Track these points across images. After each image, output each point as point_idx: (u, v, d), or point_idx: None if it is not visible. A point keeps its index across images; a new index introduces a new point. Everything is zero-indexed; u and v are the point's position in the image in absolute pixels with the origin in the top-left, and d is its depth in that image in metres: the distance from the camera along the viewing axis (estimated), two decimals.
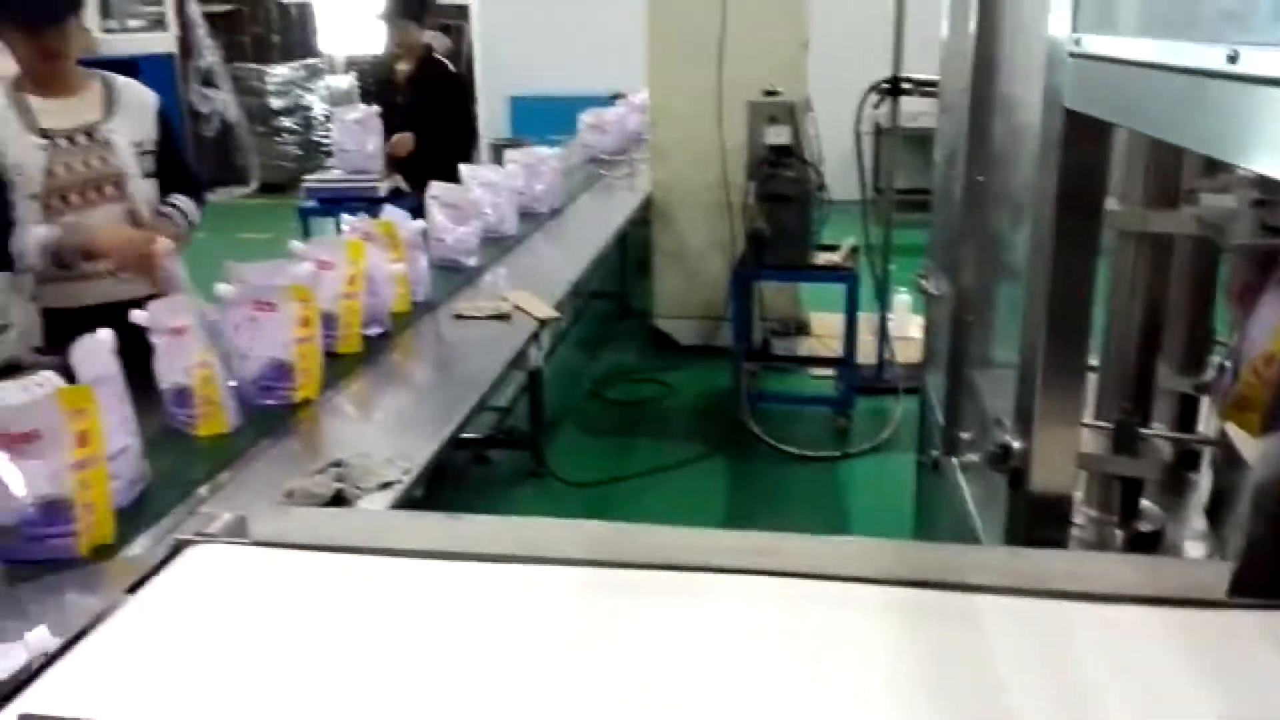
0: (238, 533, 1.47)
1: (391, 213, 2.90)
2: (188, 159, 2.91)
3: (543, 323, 2.81)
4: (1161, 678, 1.05)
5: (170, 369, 1.98)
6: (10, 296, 2.36)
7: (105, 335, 1.70)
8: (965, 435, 2.04)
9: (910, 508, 2.88)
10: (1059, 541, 1.37)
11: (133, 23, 9.97)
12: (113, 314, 2.18)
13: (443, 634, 1.19)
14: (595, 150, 5.89)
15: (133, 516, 1.65)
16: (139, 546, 1.55)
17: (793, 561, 1.29)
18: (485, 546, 1.34)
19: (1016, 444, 1.39)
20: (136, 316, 1.97)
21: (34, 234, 2.28)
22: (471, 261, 3.36)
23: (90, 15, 9.79)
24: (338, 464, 1.83)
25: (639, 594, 1.25)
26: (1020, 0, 1.71)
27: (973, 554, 1.28)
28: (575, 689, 1.09)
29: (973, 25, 1.95)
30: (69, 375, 1.61)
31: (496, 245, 3.66)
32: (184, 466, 1.86)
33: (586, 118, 6.06)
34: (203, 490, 1.79)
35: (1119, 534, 1.48)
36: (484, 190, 3.72)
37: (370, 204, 3.90)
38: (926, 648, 1.14)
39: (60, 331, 2.36)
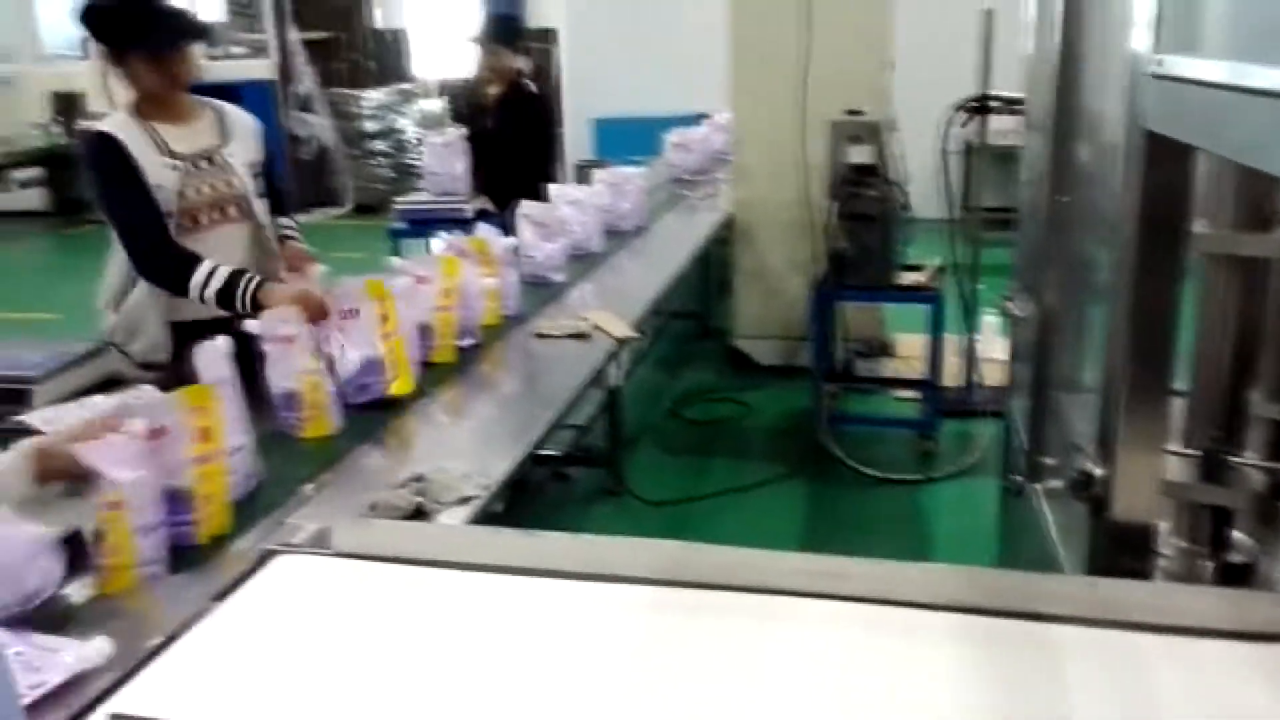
0: (321, 544, 1.52)
1: (484, 230, 2.99)
2: (282, 179, 3.02)
3: (621, 342, 2.83)
4: (1245, 715, 1.01)
5: (280, 375, 2.10)
6: (146, 311, 2.48)
7: (222, 342, 1.81)
8: (1049, 461, 2.00)
9: (995, 534, 2.82)
10: (1141, 572, 1.34)
11: (235, 50, 10.38)
12: (229, 326, 2.28)
13: (513, 649, 1.22)
14: (680, 170, 5.94)
15: (246, 509, 1.75)
16: (251, 539, 1.65)
17: (864, 586, 1.28)
18: (558, 563, 1.36)
19: (1097, 470, 1.36)
20: (249, 326, 2.10)
21: (207, 271, 2.36)
22: (559, 277, 3.44)
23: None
24: (418, 478, 1.87)
25: (708, 614, 1.26)
26: (1104, 18, 1.67)
27: (1050, 583, 1.26)
28: (640, 708, 1.10)
29: (1056, 42, 1.92)
30: (168, 390, 1.69)
31: (582, 262, 3.73)
32: (291, 465, 1.96)
33: (672, 138, 6.12)
34: (308, 488, 1.88)
35: (1208, 566, 1.43)
36: (571, 209, 3.80)
37: (458, 225, 3.98)
38: (999, 678, 1.12)
39: (184, 344, 2.46)
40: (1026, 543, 2.08)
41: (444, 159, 4.82)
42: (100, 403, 1.63)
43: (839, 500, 3.98)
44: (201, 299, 2.35)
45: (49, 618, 1.36)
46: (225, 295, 2.35)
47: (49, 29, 10.86)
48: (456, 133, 4.81)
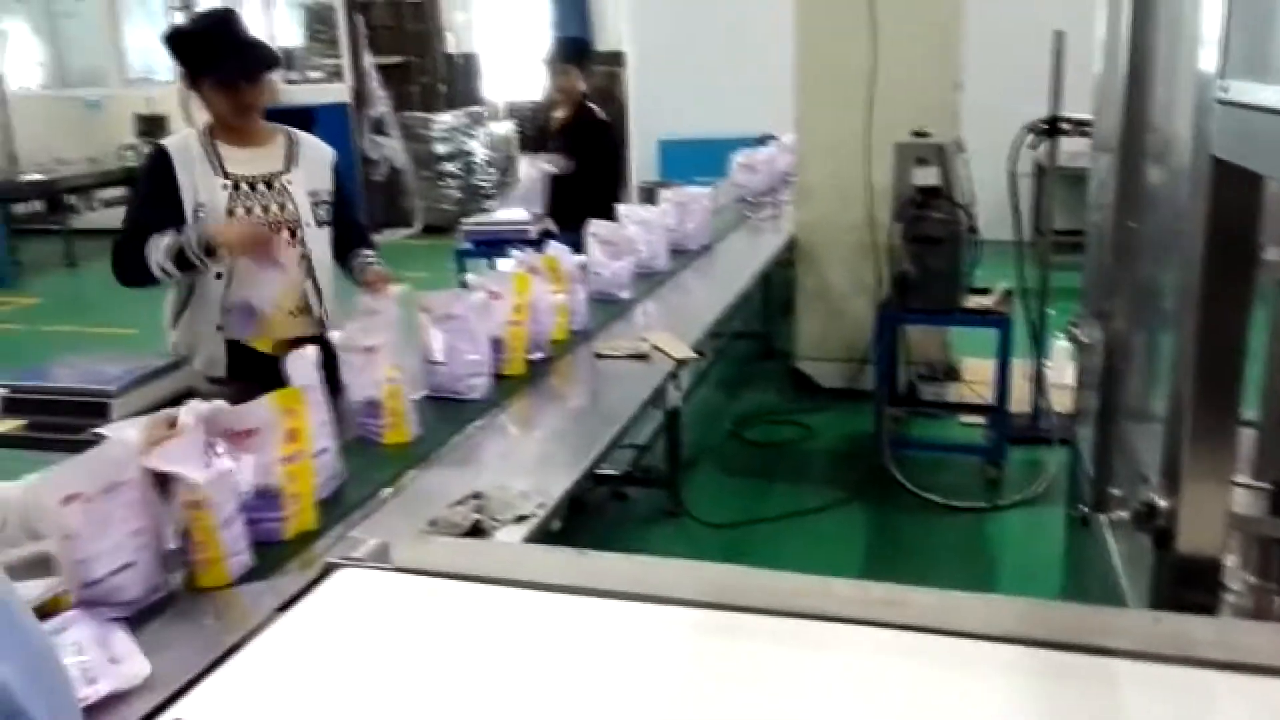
0: (381, 558, 1.55)
1: (556, 248, 3.08)
2: (358, 209, 3.09)
3: (680, 363, 2.84)
4: None
5: (363, 383, 2.17)
6: (202, 327, 2.57)
7: (311, 351, 1.89)
8: (1116, 491, 1.95)
9: (1061, 565, 2.75)
10: (1208, 607, 1.30)
11: (312, 74, 10.68)
12: (287, 347, 2.34)
13: (562, 668, 1.23)
14: (746, 190, 5.96)
15: (331, 508, 1.84)
16: (333, 536, 1.74)
17: (921, 615, 1.27)
18: (610, 583, 1.37)
19: (1163, 502, 1.33)
20: (334, 338, 2.20)
21: (158, 241, 2.45)
22: (625, 295, 3.52)
23: None
24: (477, 495, 1.90)
25: (758, 639, 1.26)
26: (1173, 39, 1.65)
27: (1112, 616, 1.23)
28: None
29: (1125, 63, 1.89)
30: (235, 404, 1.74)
31: (649, 280, 3.80)
32: (372, 469, 2.04)
33: (739, 158, 6.14)
34: (385, 491, 1.96)
35: (1278, 602, 1.38)
36: (638, 228, 3.87)
37: (523, 246, 4.03)
38: (1058, 712, 1.10)
39: (239, 363, 2.55)
40: (1092, 575, 2.03)
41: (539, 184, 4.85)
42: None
43: (901, 527, 3.93)
44: (165, 271, 2.44)
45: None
46: (181, 259, 2.43)
47: (136, 53, 11.29)
48: (566, 163, 4.80)
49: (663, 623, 1.30)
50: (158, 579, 1.51)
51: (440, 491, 1.93)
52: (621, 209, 4.00)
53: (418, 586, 1.45)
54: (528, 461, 2.18)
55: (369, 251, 2.81)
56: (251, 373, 2.07)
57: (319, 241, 2.67)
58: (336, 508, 1.85)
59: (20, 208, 9.86)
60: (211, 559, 1.55)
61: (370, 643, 1.31)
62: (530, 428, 2.43)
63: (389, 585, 1.47)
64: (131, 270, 2.49)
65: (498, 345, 2.56)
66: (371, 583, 1.49)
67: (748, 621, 1.29)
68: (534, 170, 4.80)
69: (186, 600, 1.51)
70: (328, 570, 1.54)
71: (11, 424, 2.28)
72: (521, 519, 1.84)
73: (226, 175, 2.54)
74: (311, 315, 2.65)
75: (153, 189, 2.54)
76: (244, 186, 2.56)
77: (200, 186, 2.51)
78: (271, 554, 1.64)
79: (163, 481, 1.53)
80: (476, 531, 1.80)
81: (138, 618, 1.43)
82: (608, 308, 3.37)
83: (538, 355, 2.75)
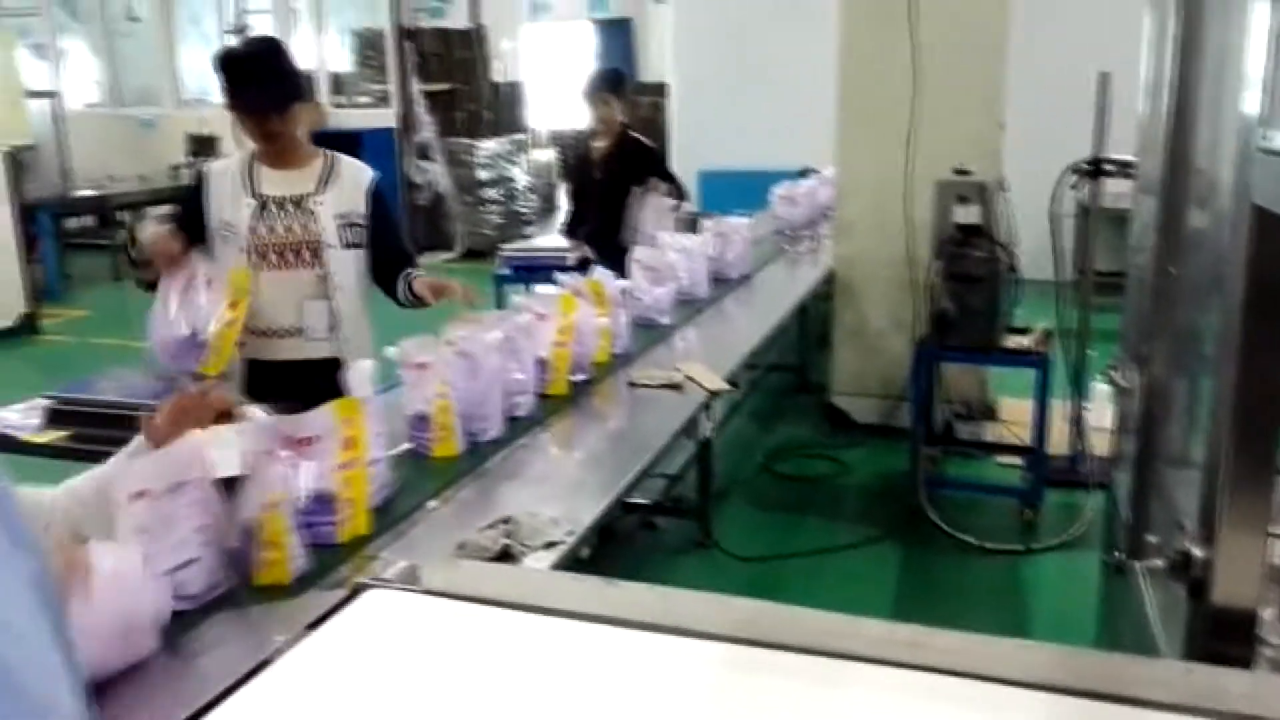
0: (410, 580, 1.56)
1: (600, 273, 3.17)
2: (400, 233, 3.14)
3: (713, 395, 2.84)
4: None
5: (414, 398, 2.24)
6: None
7: (367, 364, 1.95)
8: (1152, 538, 1.92)
9: (1095, 611, 2.71)
10: (1243, 660, 1.27)
11: (361, 99, 10.88)
12: (302, 368, 2.41)
13: (586, 697, 1.23)
14: (785, 223, 5.99)
15: (382, 515, 1.91)
16: (381, 544, 1.82)
17: (948, 658, 1.25)
18: (635, 614, 1.37)
19: (1198, 551, 1.31)
20: (390, 352, 2.28)
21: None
22: (665, 320, 3.59)
23: (323, 92, 10.76)
24: (507, 520, 1.91)
25: (781, 675, 1.25)
26: (1216, 83, 1.64)
27: (1142, 666, 1.21)
28: None
29: (1167, 106, 1.88)
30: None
31: (689, 307, 3.89)
32: (422, 480, 2.13)
33: (780, 190, 6.17)
34: (432, 503, 2.03)
35: None
36: (680, 255, 3.94)
37: (560, 273, 4.06)
38: None
39: (256, 382, 2.60)
40: (1126, 623, 2.00)
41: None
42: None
43: (934, 567, 3.88)
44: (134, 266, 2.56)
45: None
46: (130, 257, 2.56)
47: (190, 74, 11.57)
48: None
49: (687, 656, 1.30)
50: (218, 576, 1.58)
51: (482, 506, 2.02)
52: (664, 236, 4.09)
53: (445, 610, 1.46)
54: (563, 483, 2.21)
55: (412, 269, 2.84)
56: (267, 391, 2.15)
57: (344, 264, 2.70)
58: (387, 515, 1.93)
59: (72, 222, 10.11)
60: (277, 559, 1.62)
61: (395, 664, 1.32)
62: (569, 448, 2.47)
63: (417, 607, 1.48)
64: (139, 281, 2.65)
65: (542, 365, 2.63)
66: (400, 604, 1.50)
67: (773, 658, 1.28)
68: (653, 204, 4.75)
69: (228, 609, 1.55)
70: (357, 591, 1.55)
71: (56, 434, 2.33)
72: (551, 545, 1.85)
73: (256, 195, 2.63)
74: (330, 337, 2.69)
75: (181, 208, 2.73)
76: (271, 206, 2.64)
77: (228, 206, 2.62)
78: (326, 557, 1.72)
79: (228, 482, 1.59)
80: (505, 556, 1.81)
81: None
82: (648, 332, 3.44)
83: (580, 377, 2.80)
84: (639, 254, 3.67)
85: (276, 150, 2.66)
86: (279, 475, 1.64)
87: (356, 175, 2.78)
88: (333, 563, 1.71)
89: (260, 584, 1.61)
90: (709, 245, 4.36)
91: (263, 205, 2.63)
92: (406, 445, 2.26)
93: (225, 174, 2.66)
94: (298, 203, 2.66)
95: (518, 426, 2.45)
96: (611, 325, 3.05)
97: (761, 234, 5.59)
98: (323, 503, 1.77)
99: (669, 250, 3.92)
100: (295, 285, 2.65)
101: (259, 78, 2.57)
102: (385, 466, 1.99)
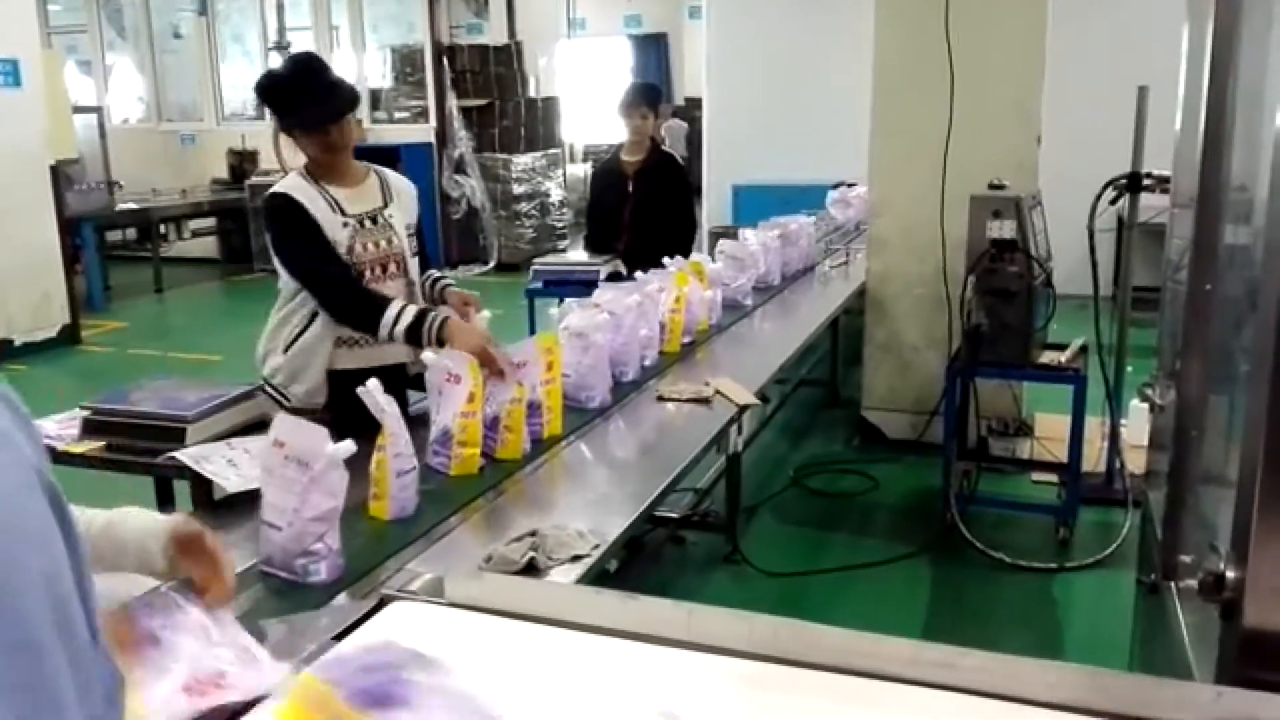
0: (435, 592, 1.57)
1: (701, 258, 3.99)
2: (426, 239, 3.18)
3: (742, 409, 2.83)
4: None
5: (444, 411, 2.27)
6: (311, 358, 2.65)
7: (485, 315, 2.42)
8: (1185, 558, 1.88)
9: (1128, 631, 2.66)
10: (1275, 685, 1.24)
11: (399, 115, 11.00)
12: (376, 373, 2.41)
13: (608, 713, 1.22)
14: (841, 224, 6.53)
15: (411, 523, 2.02)
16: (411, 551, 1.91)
17: (977, 679, 1.24)
18: (658, 629, 1.37)
19: (1231, 572, 1.28)
20: (425, 356, 2.32)
21: (400, 311, 2.54)
22: (748, 302, 4.30)
23: (363, 108, 10.90)
24: (533, 534, 1.91)
25: (807, 694, 1.24)
26: (1252, 99, 1.62)
27: (1172, 689, 1.19)
28: None
29: (1203, 121, 1.85)
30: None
31: (764, 292, 4.59)
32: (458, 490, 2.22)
33: (834, 194, 6.65)
34: (453, 519, 2.07)
35: None
36: (759, 248, 4.63)
37: (591, 287, 4.08)
38: None
39: (338, 390, 2.61)
40: (1159, 644, 1.96)
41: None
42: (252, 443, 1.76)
43: (966, 584, 3.84)
44: (391, 336, 2.54)
45: None
46: (413, 331, 2.51)
47: (231, 90, 11.76)
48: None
49: (711, 672, 1.30)
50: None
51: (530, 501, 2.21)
52: (744, 231, 4.72)
53: (469, 622, 1.47)
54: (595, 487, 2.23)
55: (437, 272, 2.92)
56: (349, 402, 2.12)
57: (415, 271, 2.80)
58: (414, 524, 2.03)
59: (114, 235, 10.30)
60: (513, 441, 2.31)
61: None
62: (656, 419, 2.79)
63: (441, 620, 1.49)
64: (358, 318, 2.63)
65: (661, 328, 3.29)
66: (425, 616, 1.51)
67: (798, 676, 1.27)
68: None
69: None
70: (383, 603, 1.56)
71: (92, 445, 2.36)
72: (577, 558, 1.85)
73: (344, 214, 2.65)
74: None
75: (305, 234, 2.60)
76: (364, 224, 2.68)
77: (326, 225, 2.61)
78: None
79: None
80: (531, 569, 1.81)
81: None
82: (732, 311, 4.11)
83: (688, 339, 3.53)
84: (724, 245, 4.46)
85: (338, 165, 2.67)
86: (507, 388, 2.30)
87: (405, 186, 2.86)
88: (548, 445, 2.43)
89: (499, 457, 2.30)
90: (777, 241, 4.94)
91: (360, 224, 2.67)
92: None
93: (306, 194, 2.61)
94: (373, 219, 2.71)
95: (649, 371, 3.12)
96: (713, 298, 3.81)
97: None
98: (534, 408, 2.39)
99: (751, 241, 4.61)
100: (389, 295, 2.66)
101: (310, 93, 2.58)
102: (415, 476, 2.06)
